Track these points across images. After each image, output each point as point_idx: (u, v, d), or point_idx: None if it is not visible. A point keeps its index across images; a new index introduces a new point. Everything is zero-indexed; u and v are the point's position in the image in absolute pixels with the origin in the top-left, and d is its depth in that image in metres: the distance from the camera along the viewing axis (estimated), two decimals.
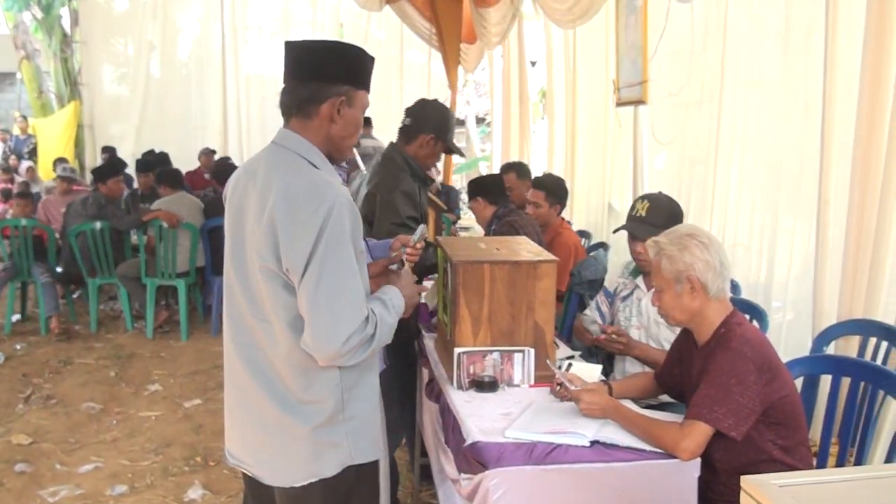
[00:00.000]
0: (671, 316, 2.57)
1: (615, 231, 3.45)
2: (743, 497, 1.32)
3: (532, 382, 2.86)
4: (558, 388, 2.69)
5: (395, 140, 3.72)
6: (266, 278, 2.05)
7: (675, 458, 2.30)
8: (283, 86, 2.19)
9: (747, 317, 2.95)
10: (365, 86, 2.21)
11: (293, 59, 2.17)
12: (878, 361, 3.12)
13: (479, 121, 16.49)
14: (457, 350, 2.82)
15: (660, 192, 3.42)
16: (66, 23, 13.97)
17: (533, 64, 9.17)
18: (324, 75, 2.12)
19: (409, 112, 3.67)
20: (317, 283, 1.97)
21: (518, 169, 6.04)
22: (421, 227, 2.76)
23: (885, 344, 3.14)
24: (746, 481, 1.32)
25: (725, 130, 4.44)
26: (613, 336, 3.19)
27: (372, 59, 2.23)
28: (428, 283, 3.79)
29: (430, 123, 3.61)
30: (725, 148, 4.47)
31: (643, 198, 3.38)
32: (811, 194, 3.77)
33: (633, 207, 3.38)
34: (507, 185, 5.24)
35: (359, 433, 2.16)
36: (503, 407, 2.65)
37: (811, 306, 3.72)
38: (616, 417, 2.47)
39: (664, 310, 2.57)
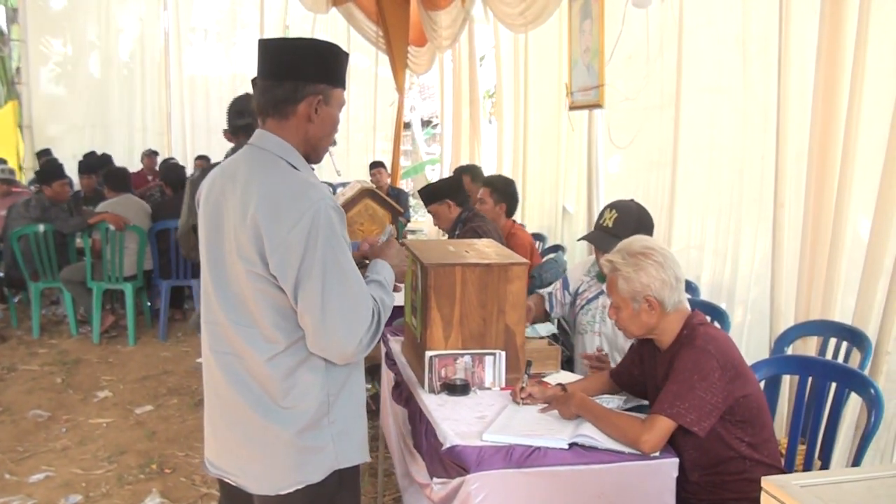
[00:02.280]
0: (628, 331, 2.59)
1: (579, 240, 3.42)
2: (764, 497, 1.32)
3: (503, 385, 2.84)
4: (522, 399, 2.68)
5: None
6: (254, 282, 2.00)
7: (651, 459, 2.31)
8: (256, 85, 2.15)
9: (708, 318, 2.98)
10: (342, 84, 2.17)
11: (268, 57, 2.12)
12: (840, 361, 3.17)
13: (425, 123, 16.49)
14: (428, 353, 2.79)
15: (631, 201, 3.37)
16: (2, 20, 13.56)
17: (480, 61, 9.13)
18: (300, 74, 2.07)
19: (243, 112, 3.92)
20: (322, 288, 1.94)
21: (472, 172, 6.03)
22: (389, 228, 2.73)
23: (845, 344, 3.18)
24: (767, 482, 1.32)
25: (683, 134, 4.48)
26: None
27: (347, 55, 2.19)
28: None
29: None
30: (683, 152, 4.51)
31: (612, 206, 3.31)
32: (768, 197, 3.82)
33: (600, 216, 3.33)
34: None
35: (345, 436, 2.13)
36: (477, 410, 2.63)
37: (768, 308, 3.77)
38: (583, 412, 2.48)
39: (621, 325, 2.59)
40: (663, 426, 2.31)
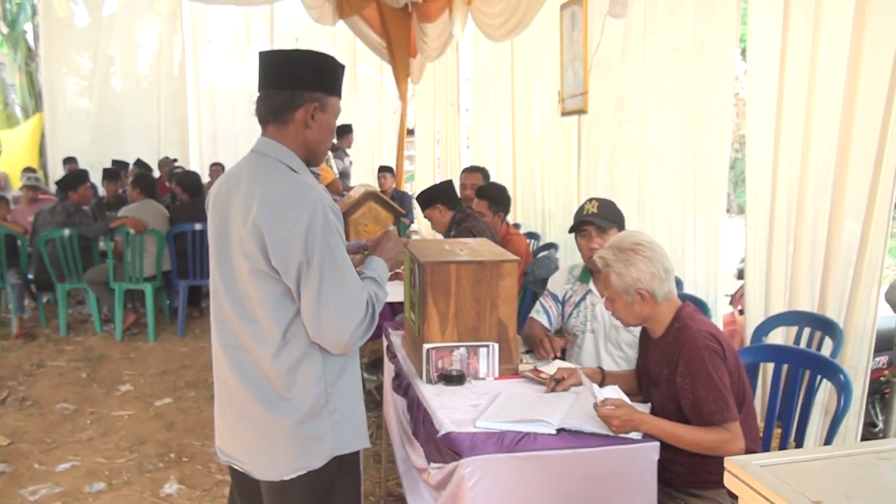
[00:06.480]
0: (624, 321, 2.62)
1: (571, 230, 3.40)
2: (727, 477, 1.33)
3: (496, 375, 2.85)
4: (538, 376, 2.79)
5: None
6: (256, 279, 2.01)
7: (634, 443, 2.31)
8: (258, 95, 2.15)
9: None
10: (337, 92, 2.18)
11: (267, 68, 2.13)
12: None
13: None
14: (425, 346, 2.80)
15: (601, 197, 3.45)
16: (30, 37, 13.59)
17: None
18: (297, 83, 2.09)
19: None
20: (319, 281, 1.96)
21: (484, 171, 6.02)
22: (391, 229, 2.74)
23: (818, 333, 3.18)
24: (730, 462, 1.34)
25: (642, 138, 4.46)
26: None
27: (342, 66, 2.20)
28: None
29: None
30: (642, 155, 4.50)
31: (590, 200, 3.40)
32: (721, 196, 3.93)
33: (582, 209, 3.36)
34: (472, 183, 5.33)
35: (343, 425, 2.14)
36: (471, 399, 2.64)
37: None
38: (652, 430, 2.36)
39: (617, 316, 2.63)
40: (738, 428, 2.34)
